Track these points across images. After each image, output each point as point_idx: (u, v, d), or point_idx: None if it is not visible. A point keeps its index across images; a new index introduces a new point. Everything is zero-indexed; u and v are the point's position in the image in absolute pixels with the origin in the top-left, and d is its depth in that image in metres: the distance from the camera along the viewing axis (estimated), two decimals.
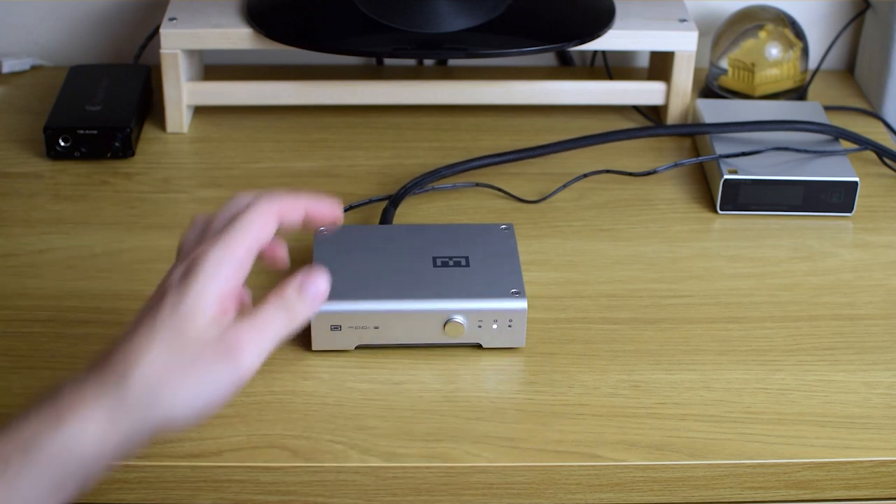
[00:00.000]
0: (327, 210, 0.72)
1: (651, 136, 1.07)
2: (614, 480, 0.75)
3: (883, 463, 0.76)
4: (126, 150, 1.03)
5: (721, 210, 0.98)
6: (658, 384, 0.81)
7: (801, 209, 0.98)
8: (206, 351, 0.64)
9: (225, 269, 0.67)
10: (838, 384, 0.81)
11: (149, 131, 1.08)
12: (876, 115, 1.13)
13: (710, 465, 0.75)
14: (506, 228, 0.88)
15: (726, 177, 0.97)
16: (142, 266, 0.91)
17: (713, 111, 1.06)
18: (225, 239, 0.68)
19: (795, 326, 0.86)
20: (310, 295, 0.69)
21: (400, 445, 0.75)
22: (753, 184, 0.97)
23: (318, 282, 0.69)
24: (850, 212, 0.98)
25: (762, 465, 0.76)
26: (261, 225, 0.69)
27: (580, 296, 0.89)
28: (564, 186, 1.00)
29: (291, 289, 0.68)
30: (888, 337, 0.86)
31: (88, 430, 0.62)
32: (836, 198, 0.97)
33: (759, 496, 0.77)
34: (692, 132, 1.04)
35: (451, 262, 0.84)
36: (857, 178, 0.97)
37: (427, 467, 0.75)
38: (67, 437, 0.62)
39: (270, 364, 0.80)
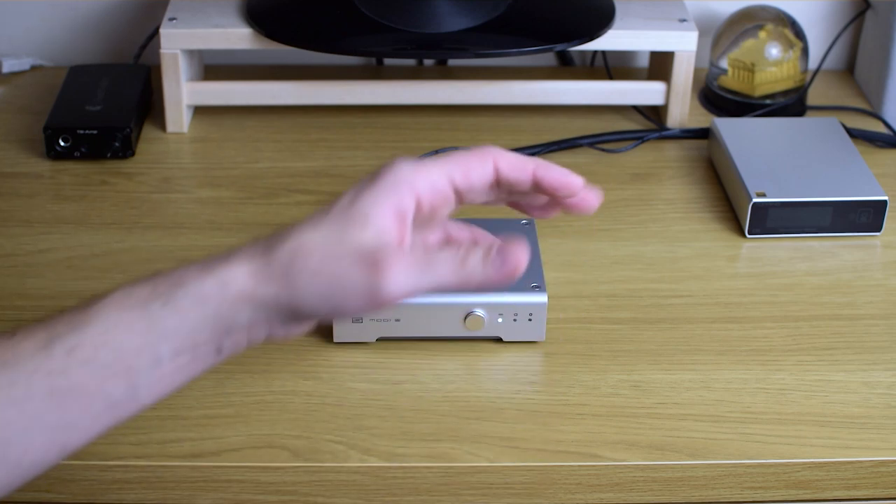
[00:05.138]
0: (561, 179, 0.67)
1: (651, 139, 1.08)
2: (614, 480, 0.75)
3: (882, 463, 0.76)
4: (126, 150, 1.03)
5: (749, 234, 0.95)
6: (658, 384, 0.81)
7: (829, 230, 0.95)
8: (355, 256, 0.63)
9: (409, 187, 0.64)
10: (838, 384, 0.81)
11: (149, 131, 1.08)
12: (876, 115, 1.13)
13: (709, 465, 0.75)
14: (527, 223, 0.88)
15: (755, 200, 0.94)
16: (142, 266, 0.91)
17: (732, 132, 1.02)
18: (426, 161, 0.66)
19: (795, 326, 0.86)
20: (499, 266, 0.64)
21: (400, 445, 0.75)
22: (782, 206, 0.94)
23: (519, 256, 0.63)
24: (878, 231, 0.96)
25: (762, 465, 0.76)
26: (472, 162, 0.66)
27: (580, 296, 0.89)
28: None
29: (479, 252, 0.64)
30: (888, 337, 0.86)
31: (232, 282, 0.63)
32: (865, 217, 0.95)
33: (759, 496, 0.77)
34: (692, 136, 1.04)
35: None
36: (885, 197, 0.94)
37: (427, 467, 0.75)
38: (212, 284, 0.63)
39: (270, 364, 0.80)
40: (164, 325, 0.62)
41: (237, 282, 0.63)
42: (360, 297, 0.63)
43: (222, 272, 0.63)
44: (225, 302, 0.63)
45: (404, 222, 0.65)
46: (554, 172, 0.68)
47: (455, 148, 1.03)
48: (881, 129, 1.11)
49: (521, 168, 0.67)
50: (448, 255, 0.64)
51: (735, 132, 1.02)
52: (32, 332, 0.62)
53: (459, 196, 0.68)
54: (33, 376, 0.61)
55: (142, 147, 1.06)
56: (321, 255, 0.63)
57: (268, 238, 0.65)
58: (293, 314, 0.64)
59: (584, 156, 1.06)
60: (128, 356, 0.62)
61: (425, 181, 0.65)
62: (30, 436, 0.61)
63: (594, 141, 1.07)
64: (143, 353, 0.62)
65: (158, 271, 0.65)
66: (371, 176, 0.65)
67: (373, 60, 1.21)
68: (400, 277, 0.63)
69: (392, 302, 0.63)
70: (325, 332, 0.83)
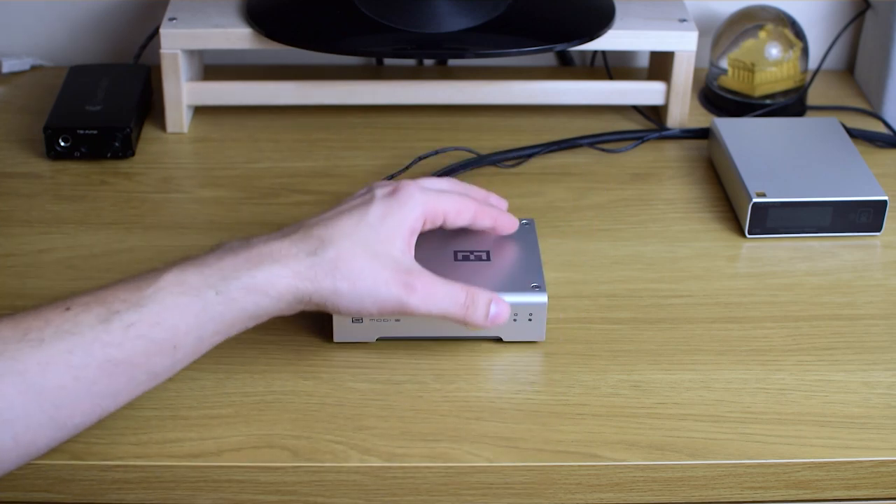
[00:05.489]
0: (509, 225, 0.85)
1: (651, 139, 1.08)
2: (614, 480, 0.75)
3: (882, 463, 0.76)
4: (126, 150, 1.03)
5: (749, 234, 0.95)
6: (658, 384, 0.81)
7: (829, 230, 0.95)
8: (392, 268, 0.75)
9: (421, 212, 0.78)
10: (838, 384, 0.81)
11: (149, 131, 1.08)
12: (876, 115, 1.13)
13: (709, 465, 0.75)
14: (527, 223, 0.88)
15: (755, 200, 0.94)
16: (142, 266, 0.90)
17: (732, 132, 1.02)
18: (434, 192, 0.80)
19: (795, 326, 0.86)
20: (491, 314, 0.79)
21: (400, 445, 0.75)
22: (782, 206, 0.94)
23: (504, 311, 0.79)
24: (878, 231, 0.95)
25: (762, 465, 0.76)
26: (462, 208, 0.81)
27: (580, 296, 0.89)
28: (533, 155, 1.01)
29: (484, 296, 0.78)
30: (888, 337, 0.86)
31: (280, 280, 0.73)
32: (865, 217, 0.95)
33: (758, 496, 0.77)
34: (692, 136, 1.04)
35: (472, 256, 0.84)
36: (885, 197, 0.94)
37: (427, 467, 0.75)
38: (263, 279, 0.73)
39: (270, 364, 0.80)
40: (214, 311, 0.72)
41: (285, 279, 0.73)
42: (387, 307, 0.76)
43: (271, 269, 0.73)
44: (270, 296, 0.73)
45: (414, 237, 0.79)
46: (507, 229, 0.85)
47: (455, 148, 1.03)
48: (881, 129, 1.11)
49: (488, 218, 0.83)
50: (461, 290, 0.78)
51: (735, 132, 1.02)
52: (88, 306, 0.70)
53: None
54: (92, 346, 0.69)
55: (142, 147, 1.06)
56: (363, 262, 0.75)
57: (303, 238, 0.75)
58: (317, 306, 0.75)
59: (584, 156, 1.06)
60: (177, 335, 0.71)
61: (432, 212, 0.79)
62: (79, 400, 0.69)
63: (594, 141, 1.07)
64: (191, 334, 0.72)
65: (200, 257, 0.73)
66: (391, 195, 0.78)
67: (373, 60, 1.21)
68: (423, 300, 0.76)
69: (407, 315, 0.77)
70: (325, 332, 0.83)
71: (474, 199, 0.83)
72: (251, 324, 0.75)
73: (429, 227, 0.80)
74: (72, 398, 0.68)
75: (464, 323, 0.78)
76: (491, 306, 0.79)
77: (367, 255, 0.75)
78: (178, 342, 0.71)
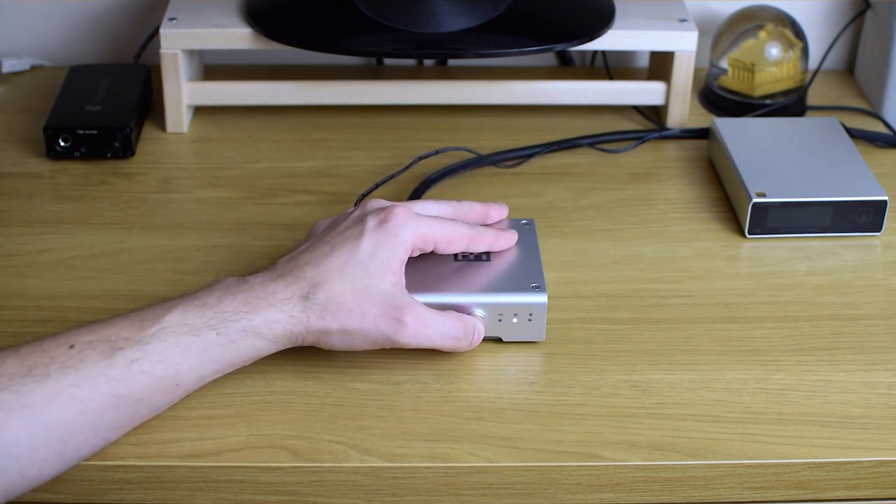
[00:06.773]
0: (506, 245, 0.85)
1: (651, 139, 1.08)
2: (614, 480, 0.75)
3: (883, 463, 0.76)
4: (126, 150, 1.03)
5: (749, 234, 0.95)
6: (658, 384, 0.81)
7: (829, 230, 0.95)
8: (381, 307, 0.76)
9: (411, 243, 0.79)
10: (838, 384, 0.81)
11: (149, 131, 1.08)
12: (876, 115, 1.13)
13: (709, 465, 0.75)
14: (527, 223, 0.88)
15: (755, 200, 0.93)
16: (142, 266, 0.91)
17: (732, 132, 1.02)
18: (426, 219, 0.80)
19: (795, 326, 0.86)
20: (475, 342, 0.81)
21: (400, 445, 0.75)
22: (782, 206, 0.94)
23: (481, 333, 0.81)
24: (878, 231, 0.95)
25: (762, 465, 0.76)
26: (454, 238, 0.81)
27: (580, 296, 0.89)
28: (533, 153, 1.01)
29: (474, 324, 0.80)
30: (888, 337, 0.86)
31: (276, 323, 0.75)
32: (865, 217, 0.95)
33: (759, 496, 0.77)
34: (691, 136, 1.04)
35: (472, 257, 0.84)
36: (885, 197, 0.94)
37: (427, 467, 0.75)
38: (260, 322, 0.74)
39: (270, 364, 0.80)
40: (214, 352, 0.74)
41: (280, 324, 0.75)
42: (377, 343, 0.77)
43: (267, 313, 0.75)
44: (267, 338, 0.75)
45: (403, 266, 0.79)
46: (504, 248, 0.85)
47: (455, 148, 1.03)
48: (881, 129, 1.11)
49: (483, 244, 0.83)
50: (454, 321, 0.79)
51: (735, 132, 1.02)
52: (91, 344, 0.71)
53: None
54: (96, 380, 0.70)
55: (142, 147, 1.06)
56: (351, 302, 0.76)
57: (296, 279, 0.76)
58: (311, 344, 0.77)
59: (584, 156, 1.06)
60: (179, 373, 0.73)
61: (421, 241, 0.80)
62: (85, 434, 0.70)
63: (594, 141, 1.07)
64: (192, 372, 0.73)
65: (199, 296, 0.74)
66: (381, 225, 0.78)
67: (373, 60, 1.21)
68: (414, 333, 0.77)
69: (401, 347, 0.78)
70: None
71: (470, 221, 0.84)
72: (248, 363, 0.76)
73: (416, 254, 0.81)
74: (77, 432, 0.69)
75: (454, 351, 0.81)
76: (475, 337, 0.81)
77: (357, 294, 0.76)
78: (179, 380, 0.73)
